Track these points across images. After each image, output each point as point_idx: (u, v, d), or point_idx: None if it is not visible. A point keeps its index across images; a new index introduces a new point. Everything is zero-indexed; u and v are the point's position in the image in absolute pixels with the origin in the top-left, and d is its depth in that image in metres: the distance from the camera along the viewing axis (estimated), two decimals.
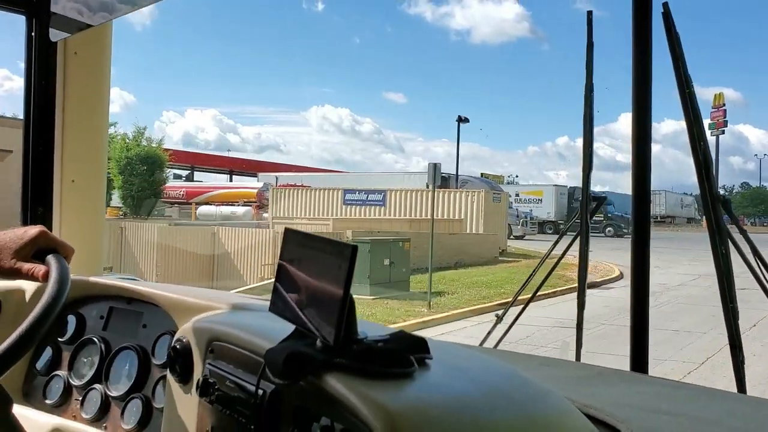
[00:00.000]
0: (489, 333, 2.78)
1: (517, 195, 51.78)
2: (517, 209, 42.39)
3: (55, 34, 2.24)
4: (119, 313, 1.85)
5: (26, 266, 1.46)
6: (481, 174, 61.56)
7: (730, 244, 2.04)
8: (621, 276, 21.78)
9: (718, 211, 2.04)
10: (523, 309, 2.81)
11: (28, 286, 1.94)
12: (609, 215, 46.25)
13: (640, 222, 2.06)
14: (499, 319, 2.87)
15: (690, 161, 2.12)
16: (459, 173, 45.91)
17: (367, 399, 0.94)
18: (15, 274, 1.47)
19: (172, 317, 1.66)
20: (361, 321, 1.14)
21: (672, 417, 1.32)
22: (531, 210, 50.51)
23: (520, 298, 2.93)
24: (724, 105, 73.13)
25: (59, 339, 1.89)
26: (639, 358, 2.04)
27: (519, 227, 41.70)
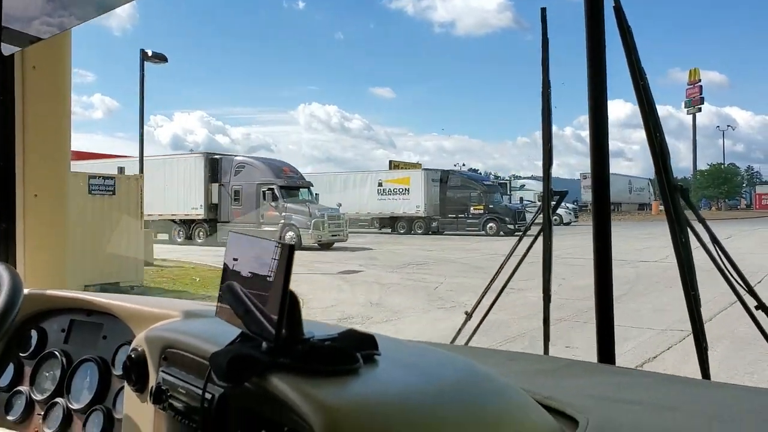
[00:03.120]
0: (459, 331, 2.79)
1: (380, 185, 39.00)
2: (308, 206, 26.59)
3: (8, 49, 2.22)
4: (80, 326, 1.84)
5: None
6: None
7: (690, 233, 2.06)
8: None
9: (676, 200, 2.05)
10: (492, 304, 2.82)
11: None
12: (491, 206, 36.01)
13: (600, 213, 2.07)
14: (469, 316, 2.88)
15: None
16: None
17: (309, 397, 0.94)
18: None
19: (130, 327, 1.66)
20: (314, 321, 1.14)
21: (633, 405, 1.32)
22: (401, 203, 38.03)
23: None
24: (699, 81, 70.60)
25: (21, 354, 1.88)
26: (605, 350, 2.05)
27: (311, 232, 26.01)
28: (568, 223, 43.29)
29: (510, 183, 54.17)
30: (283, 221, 26.53)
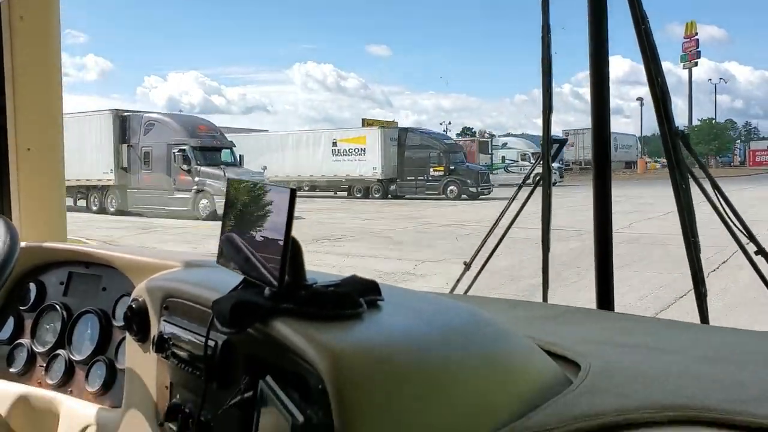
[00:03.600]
0: (458, 280, 2.80)
1: (334, 145, 35.01)
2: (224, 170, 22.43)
3: None
4: (79, 278, 1.83)
5: None
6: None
7: (691, 180, 2.05)
8: None
9: (677, 146, 2.04)
10: (490, 255, 2.82)
11: None
12: (452, 168, 32.87)
13: (600, 163, 2.06)
14: (467, 266, 2.89)
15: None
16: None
17: (313, 341, 0.94)
18: None
19: (129, 278, 1.65)
20: (314, 270, 1.13)
21: (631, 348, 1.33)
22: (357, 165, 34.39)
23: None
24: (696, 35, 67.59)
25: (21, 307, 1.88)
26: (604, 296, 2.06)
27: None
28: (553, 183, 41.34)
29: (491, 141, 49.31)
30: (196, 187, 23.98)
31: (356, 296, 1.06)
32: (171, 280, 1.38)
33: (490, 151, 47.64)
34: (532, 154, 40.80)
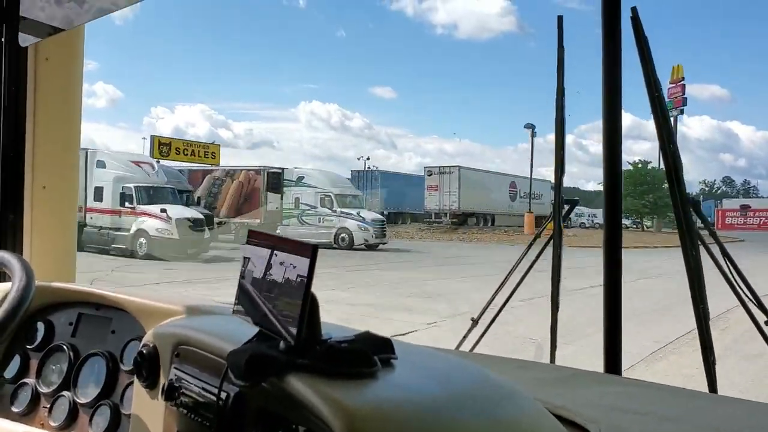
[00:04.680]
0: (465, 337, 2.79)
1: None
2: None
3: (24, 39, 2.22)
4: (88, 320, 1.83)
5: None
6: None
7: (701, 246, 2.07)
8: None
9: (688, 213, 2.06)
10: (499, 311, 2.82)
11: None
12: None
13: (611, 222, 2.07)
14: (475, 322, 2.88)
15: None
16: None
17: (328, 399, 0.94)
18: None
19: (140, 322, 1.65)
20: (327, 323, 1.14)
21: (641, 416, 1.32)
22: None
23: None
24: (683, 79, 59.91)
25: (28, 346, 1.87)
26: (612, 360, 2.05)
27: None
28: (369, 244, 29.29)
29: (282, 176, 32.92)
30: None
31: (371, 354, 1.06)
32: (184, 327, 1.39)
33: (280, 191, 33.00)
34: (337, 196, 30.63)
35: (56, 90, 2.34)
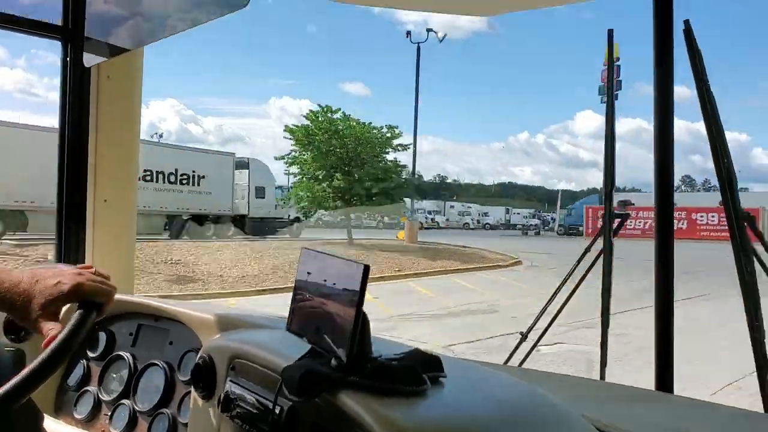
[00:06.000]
0: (513, 351, 2.77)
1: None
2: None
3: (89, 59, 2.31)
4: (147, 330, 1.89)
5: (46, 326, 1.19)
6: None
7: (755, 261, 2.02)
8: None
9: (743, 228, 2.01)
10: (548, 327, 2.80)
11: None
12: None
13: (663, 234, 2.02)
14: (524, 337, 2.87)
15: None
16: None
17: (379, 416, 0.96)
18: (35, 330, 1.22)
19: (196, 334, 1.70)
20: (376, 337, 1.16)
21: None
22: None
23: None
24: (618, 60, 54.30)
25: (91, 355, 1.95)
26: (664, 377, 2.02)
27: None
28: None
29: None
30: None
31: (420, 372, 1.08)
32: (239, 341, 1.43)
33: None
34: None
35: (117, 107, 2.42)
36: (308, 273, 1.17)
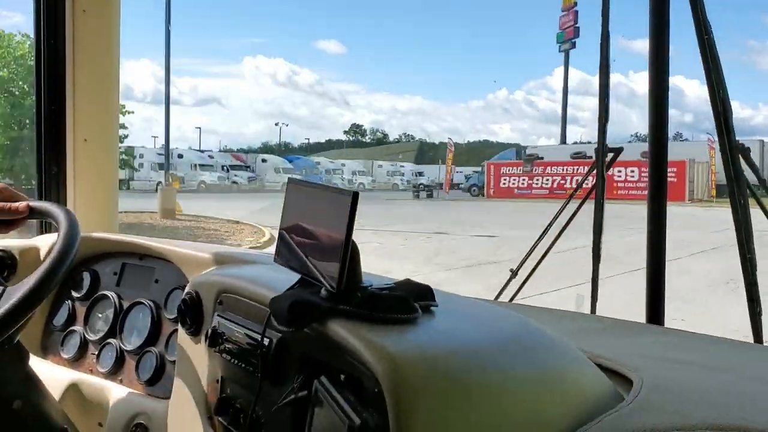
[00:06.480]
0: (503, 288, 2.78)
1: None
2: None
3: None
4: (132, 269, 1.87)
5: None
6: None
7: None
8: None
9: (736, 160, 2.00)
10: (538, 263, 2.80)
11: (42, 243, 1.96)
12: None
13: (656, 174, 2.03)
14: (514, 273, 2.87)
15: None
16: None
17: (371, 344, 0.94)
18: None
19: (183, 272, 1.68)
20: (367, 272, 1.13)
21: (684, 365, 1.31)
22: None
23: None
24: (575, 5, 48.39)
25: (75, 295, 1.92)
26: (655, 310, 2.03)
27: None
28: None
29: None
30: None
31: (412, 300, 1.06)
32: (226, 275, 1.40)
33: None
34: None
35: (94, 42, 2.34)
36: (295, 202, 1.13)
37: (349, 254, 1.00)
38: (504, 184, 44.02)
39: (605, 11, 2.31)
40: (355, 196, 1.00)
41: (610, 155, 2.54)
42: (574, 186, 2.99)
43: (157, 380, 1.66)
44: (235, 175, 56.05)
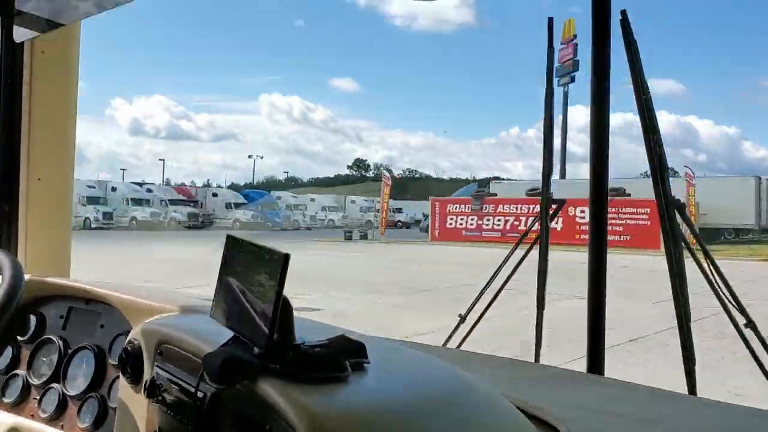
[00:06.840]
0: (452, 334, 2.81)
1: None
2: None
3: (20, 34, 2.23)
4: (78, 313, 1.86)
5: None
6: None
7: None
8: None
9: (672, 214, 2.07)
10: (486, 308, 2.85)
11: None
12: None
13: (596, 223, 2.08)
14: (462, 319, 2.91)
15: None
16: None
17: (296, 404, 0.96)
18: None
19: (126, 318, 1.68)
20: (306, 320, 1.16)
21: (618, 417, 1.35)
22: None
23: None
24: (574, 38, 44.83)
25: (19, 338, 1.91)
26: (595, 360, 2.07)
27: None
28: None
29: None
30: None
31: (342, 359, 1.08)
32: (166, 325, 1.41)
33: None
34: None
35: (52, 84, 2.35)
36: (232, 259, 1.16)
37: (278, 314, 1.03)
38: (450, 224, 38.12)
39: (550, 67, 2.40)
40: (286, 256, 1.04)
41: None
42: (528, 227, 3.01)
43: (98, 427, 1.65)
44: (174, 211, 51.60)
